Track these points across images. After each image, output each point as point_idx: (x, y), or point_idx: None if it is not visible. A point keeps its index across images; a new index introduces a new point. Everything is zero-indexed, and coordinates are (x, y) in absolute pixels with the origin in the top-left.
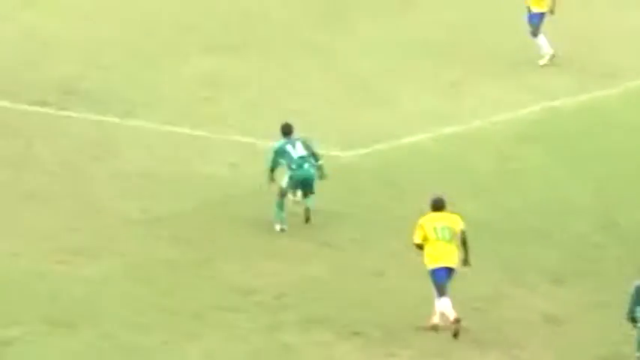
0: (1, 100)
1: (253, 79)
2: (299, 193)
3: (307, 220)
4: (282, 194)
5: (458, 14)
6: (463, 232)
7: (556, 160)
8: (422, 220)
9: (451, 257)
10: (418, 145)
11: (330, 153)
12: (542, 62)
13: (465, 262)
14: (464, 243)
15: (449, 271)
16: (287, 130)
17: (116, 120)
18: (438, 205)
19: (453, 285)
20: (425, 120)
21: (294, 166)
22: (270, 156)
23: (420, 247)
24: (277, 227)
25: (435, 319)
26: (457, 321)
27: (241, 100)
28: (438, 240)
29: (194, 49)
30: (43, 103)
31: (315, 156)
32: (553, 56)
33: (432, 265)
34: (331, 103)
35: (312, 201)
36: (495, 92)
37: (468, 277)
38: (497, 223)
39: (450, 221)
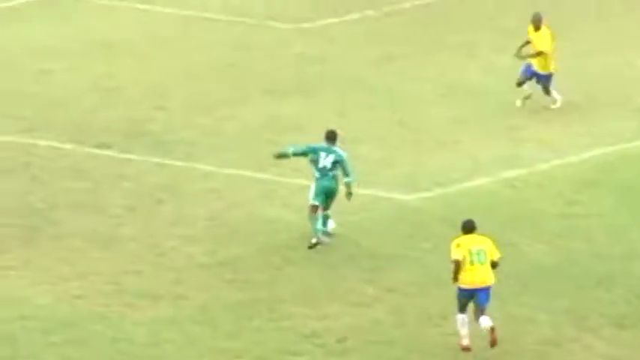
0: (67, 143)
1: (317, 121)
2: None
3: (317, 235)
4: (311, 208)
5: (513, 59)
6: (494, 263)
7: (620, 204)
8: (459, 240)
9: (488, 277)
10: (482, 189)
11: (394, 196)
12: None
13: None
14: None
15: (484, 290)
16: (330, 136)
17: (180, 163)
18: (469, 227)
19: (516, 328)
20: (488, 164)
21: (317, 175)
22: (304, 147)
23: (457, 265)
24: (313, 240)
25: (465, 341)
26: (492, 330)
27: (304, 142)
28: (473, 263)
29: (256, 92)
30: (107, 146)
31: (345, 172)
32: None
33: (467, 285)
34: (394, 146)
35: (330, 216)
36: (559, 136)
37: (533, 320)
38: (561, 267)
39: (484, 244)
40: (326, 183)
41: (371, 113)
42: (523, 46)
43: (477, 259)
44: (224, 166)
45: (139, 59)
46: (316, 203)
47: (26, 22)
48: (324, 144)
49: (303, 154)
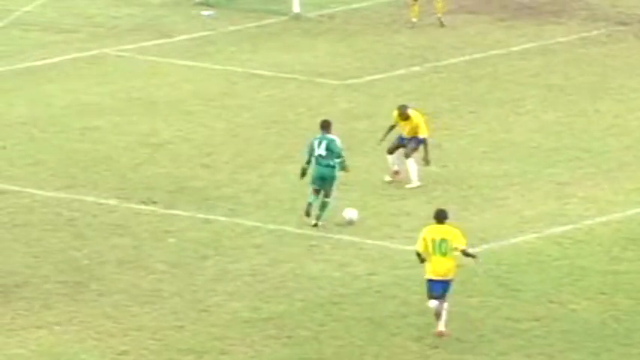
0: (112, 199)
1: (362, 177)
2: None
3: (317, 219)
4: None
5: (558, 115)
6: (463, 251)
7: None
8: (424, 230)
9: (447, 270)
10: (527, 246)
11: None
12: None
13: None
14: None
15: (444, 283)
16: (324, 125)
17: (223, 219)
18: (439, 217)
19: None
20: (534, 220)
21: (314, 162)
22: (306, 151)
23: (420, 256)
24: (312, 222)
25: (441, 327)
26: (441, 334)
27: (348, 199)
28: (435, 254)
29: (301, 149)
30: (152, 202)
31: (335, 154)
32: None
33: (430, 275)
34: (441, 202)
35: (328, 204)
36: (604, 192)
37: None
38: (607, 324)
39: (448, 234)
40: (322, 170)
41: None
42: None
43: (437, 250)
44: (267, 221)
45: (184, 116)
46: (316, 187)
47: (71, 79)
48: (318, 135)
49: (310, 155)
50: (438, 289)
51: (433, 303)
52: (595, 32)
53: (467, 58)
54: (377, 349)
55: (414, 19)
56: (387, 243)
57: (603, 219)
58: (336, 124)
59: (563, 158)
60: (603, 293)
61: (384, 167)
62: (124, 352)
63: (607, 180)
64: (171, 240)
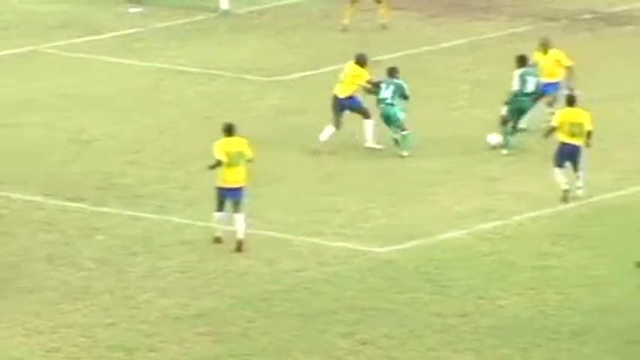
0: (40, 196)
1: (292, 172)
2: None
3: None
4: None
5: (488, 111)
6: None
7: (595, 257)
8: (220, 145)
9: (240, 178)
10: (456, 242)
11: (370, 248)
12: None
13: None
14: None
15: (236, 191)
16: (390, 72)
17: (153, 216)
18: (228, 130)
19: None
20: (463, 216)
21: (381, 105)
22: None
23: (220, 163)
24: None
25: (219, 233)
26: (240, 243)
27: (278, 195)
28: (232, 165)
29: None
30: (80, 199)
31: (403, 96)
32: None
33: (222, 184)
34: (371, 199)
35: (408, 136)
36: (533, 188)
37: None
38: (536, 319)
39: (240, 146)
40: (387, 109)
41: (348, 165)
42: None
43: (234, 162)
44: (197, 218)
45: (112, 113)
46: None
47: (1, 75)
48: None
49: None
50: (229, 195)
51: (240, 221)
52: (523, 28)
53: (397, 54)
54: (306, 345)
55: (346, 22)
56: (316, 239)
57: (532, 214)
58: (265, 120)
59: (492, 154)
60: (532, 289)
61: (315, 163)
62: (54, 349)
63: (536, 176)
64: (100, 237)
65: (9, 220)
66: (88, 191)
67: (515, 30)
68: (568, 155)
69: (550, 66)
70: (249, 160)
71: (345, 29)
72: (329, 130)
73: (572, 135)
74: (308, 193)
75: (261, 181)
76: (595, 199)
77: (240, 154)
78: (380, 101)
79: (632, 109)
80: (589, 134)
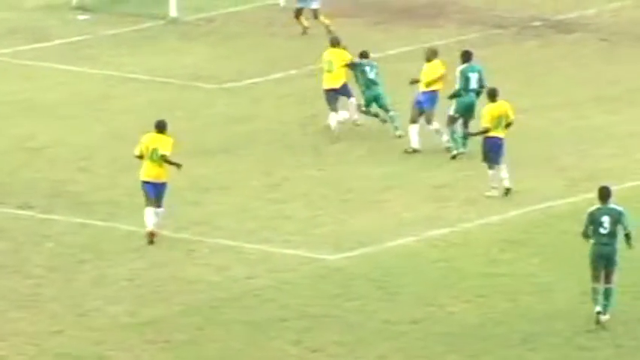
0: None
1: (241, 181)
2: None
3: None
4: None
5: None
6: (164, 156)
7: (544, 263)
8: (143, 139)
9: (160, 174)
10: (405, 249)
11: (319, 256)
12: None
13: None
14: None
15: (157, 186)
16: (364, 55)
17: (102, 223)
18: (158, 127)
19: None
20: (412, 223)
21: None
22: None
23: (140, 157)
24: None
25: (150, 225)
26: (152, 234)
27: (227, 203)
28: (148, 159)
29: (180, 152)
30: (29, 207)
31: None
32: None
33: (145, 178)
34: (320, 206)
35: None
36: (482, 195)
37: None
38: (485, 326)
39: (159, 143)
40: (378, 90)
41: (297, 172)
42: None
43: (150, 157)
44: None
45: (61, 120)
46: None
47: None
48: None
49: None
50: (153, 190)
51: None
52: (472, 35)
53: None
54: (256, 353)
55: (306, 23)
56: (265, 246)
57: (481, 221)
58: (215, 127)
59: (441, 161)
60: (481, 296)
61: (264, 170)
62: (1, 357)
63: (485, 183)
64: (49, 244)
65: None
66: (37, 199)
67: (464, 37)
68: (497, 148)
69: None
70: (162, 156)
71: (305, 32)
72: (333, 116)
73: (497, 128)
74: (257, 200)
75: (210, 189)
76: (544, 205)
77: (156, 151)
78: (370, 82)
79: (581, 116)
80: (509, 125)
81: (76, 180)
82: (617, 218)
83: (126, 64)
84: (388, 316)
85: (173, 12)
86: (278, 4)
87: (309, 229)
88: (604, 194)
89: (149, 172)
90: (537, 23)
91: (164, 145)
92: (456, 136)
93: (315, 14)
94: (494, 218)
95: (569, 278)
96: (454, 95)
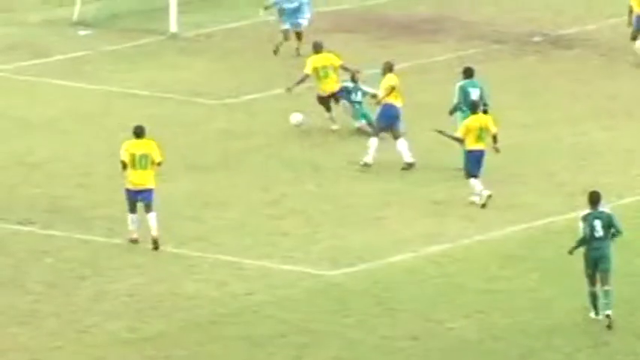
0: None
1: (240, 196)
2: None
3: None
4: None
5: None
6: (159, 164)
7: (543, 279)
8: (126, 146)
9: (147, 181)
10: (405, 265)
11: (318, 271)
12: None
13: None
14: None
15: (146, 192)
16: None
17: (101, 239)
18: (137, 132)
19: None
20: (411, 239)
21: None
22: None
23: (124, 165)
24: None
25: (134, 235)
26: (155, 241)
27: (226, 219)
28: (136, 167)
29: (179, 168)
30: (29, 223)
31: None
32: None
33: (131, 186)
34: (318, 222)
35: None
36: (481, 211)
37: None
38: (485, 342)
39: (148, 149)
40: (363, 110)
41: (295, 188)
42: None
43: (139, 164)
44: (145, 241)
45: (60, 135)
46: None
47: None
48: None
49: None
50: (139, 197)
51: (152, 220)
52: (472, 51)
53: (346, 77)
54: None
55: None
56: (264, 262)
57: (481, 237)
58: (214, 142)
59: (439, 177)
60: (480, 312)
61: (263, 186)
62: None
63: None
64: (49, 260)
65: None
66: (37, 214)
67: (464, 53)
68: (479, 161)
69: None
70: (157, 164)
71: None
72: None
73: (479, 140)
74: (256, 216)
75: (209, 204)
76: (543, 221)
77: (146, 157)
78: (356, 103)
79: (580, 132)
80: (495, 137)
81: (75, 195)
82: (607, 221)
83: (125, 79)
84: (387, 331)
85: (173, 27)
86: (277, 21)
87: (308, 244)
88: (594, 199)
89: (136, 179)
90: (537, 39)
91: (153, 151)
92: None
93: (299, 35)
94: (493, 234)
95: (569, 294)
96: (453, 110)
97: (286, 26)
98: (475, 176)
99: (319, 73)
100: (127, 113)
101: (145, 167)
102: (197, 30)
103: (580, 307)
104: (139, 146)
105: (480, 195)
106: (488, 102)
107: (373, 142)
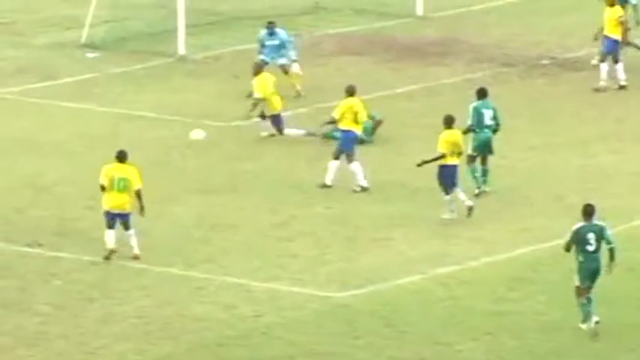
0: None
1: (248, 218)
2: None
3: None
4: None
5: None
6: (138, 191)
7: (551, 301)
8: (106, 169)
9: (125, 204)
10: (413, 286)
11: (327, 293)
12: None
13: (141, 209)
14: (138, 196)
15: (122, 215)
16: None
17: (109, 261)
18: (119, 157)
19: None
20: (419, 261)
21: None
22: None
23: (103, 188)
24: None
25: (111, 244)
26: (136, 257)
27: (234, 241)
28: (113, 189)
29: (188, 190)
30: (38, 245)
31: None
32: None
33: (109, 208)
34: (327, 244)
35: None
36: (490, 233)
37: None
38: None
39: (127, 173)
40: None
41: (304, 210)
42: None
43: (117, 186)
44: (154, 263)
45: (68, 157)
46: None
47: None
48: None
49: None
50: (117, 219)
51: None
52: (480, 74)
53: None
54: None
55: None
56: (273, 284)
57: (489, 259)
58: (222, 164)
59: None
60: (489, 333)
61: (271, 208)
62: None
63: (492, 220)
64: (57, 282)
65: None
66: (45, 236)
67: (472, 75)
68: (452, 176)
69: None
70: (136, 192)
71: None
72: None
73: (452, 155)
74: (264, 238)
75: (216, 226)
76: (551, 243)
77: (124, 181)
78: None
79: (588, 154)
80: (460, 154)
81: (83, 217)
82: (600, 234)
83: (134, 101)
84: (396, 353)
85: (181, 50)
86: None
87: (317, 266)
88: (588, 212)
89: (114, 201)
90: (545, 61)
91: (133, 176)
92: (477, 174)
93: (284, 70)
94: (501, 256)
95: (577, 316)
96: (466, 131)
97: (262, 57)
98: (449, 193)
99: (269, 91)
100: (135, 135)
101: (122, 190)
102: (205, 52)
103: (588, 329)
104: (120, 170)
105: (452, 211)
106: (501, 122)
107: (333, 165)
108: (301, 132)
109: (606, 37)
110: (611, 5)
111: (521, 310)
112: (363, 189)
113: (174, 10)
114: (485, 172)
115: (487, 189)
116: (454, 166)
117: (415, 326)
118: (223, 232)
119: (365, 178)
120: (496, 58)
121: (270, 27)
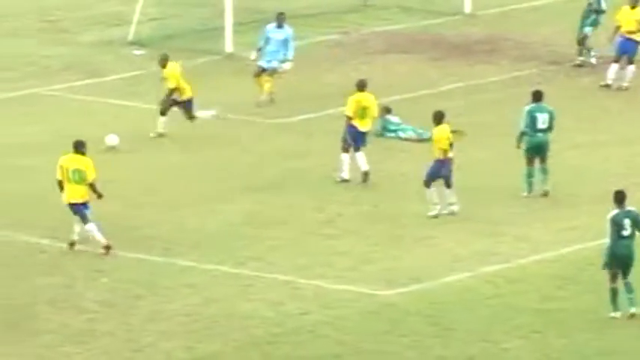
0: (45, 238)
1: (296, 216)
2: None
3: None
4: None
5: (490, 154)
6: (92, 184)
7: (599, 300)
8: (61, 161)
9: (80, 195)
10: (459, 285)
11: (373, 291)
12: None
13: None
14: (92, 188)
15: (80, 205)
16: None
17: (158, 258)
18: (77, 147)
19: None
20: (466, 259)
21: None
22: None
23: (60, 183)
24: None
25: (76, 237)
26: (107, 248)
27: (281, 238)
28: (70, 181)
29: (236, 188)
30: (85, 242)
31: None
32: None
33: (68, 199)
34: (374, 242)
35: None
36: (537, 231)
37: None
38: None
39: (82, 164)
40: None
41: (350, 208)
42: None
43: (72, 178)
44: (202, 261)
45: (116, 155)
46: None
47: (3, 118)
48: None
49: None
50: (74, 210)
51: (91, 228)
52: (527, 72)
53: (397, 97)
54: None
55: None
56: (320, 282)
57: (536, 257)
58: (268, 162)
59: (494, 197)
60: (536, 332)
61: (318, 206)
62: None
63: (539, 219)
64: (104, 280)
65: (14, 262)
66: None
67: (519, 73)
68: (446, 171)
69: None
70: (89, 184)
71: (269, 101)
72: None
73: (446, 150)
74: (311, 236)
75: (264, 224)
76: (598, 242)
77: (79, 172)
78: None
79: (634, 153)
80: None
81: (132, 215)
82: (635, 220)
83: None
84: (443, 352)
85: (229, 47)
86: (331, 40)
87: (363, 264)
88: (620, 198)
89: (74, 194)
90: (592, 60)
91: (87, 167)
92: (530, 179)
93: (273, 72)
94: (549, 254)
95: (624, 316)
96: (520, 137)
97: (260, 64)
98: (429, 186)
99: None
100: (183, 133)
101: (77, 182)
102: (253, 50)
103: (636, 328)
104: (74, 161)
105: (436, 207)
106: (553, 126)
107: (345, 157)
108: (210, 113)
109: (624, 38)
110: (633, 7)
111: (568, 308)
112: (344, 180)
113: (220, 8)
114: (544, 171)
115: (548, 187)
116: (449, 161)
117: (462, 324)
118: (271, 229)
119: (365, 167)
120: (542, 56)
121: (280, 19)
